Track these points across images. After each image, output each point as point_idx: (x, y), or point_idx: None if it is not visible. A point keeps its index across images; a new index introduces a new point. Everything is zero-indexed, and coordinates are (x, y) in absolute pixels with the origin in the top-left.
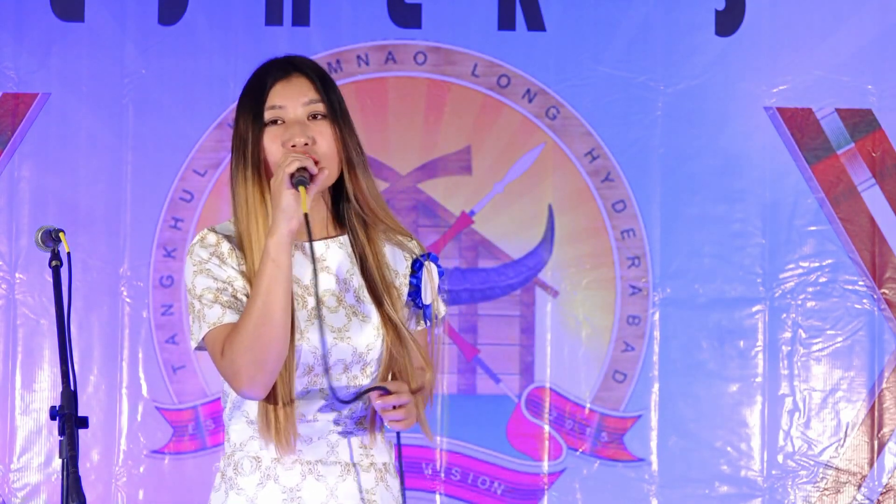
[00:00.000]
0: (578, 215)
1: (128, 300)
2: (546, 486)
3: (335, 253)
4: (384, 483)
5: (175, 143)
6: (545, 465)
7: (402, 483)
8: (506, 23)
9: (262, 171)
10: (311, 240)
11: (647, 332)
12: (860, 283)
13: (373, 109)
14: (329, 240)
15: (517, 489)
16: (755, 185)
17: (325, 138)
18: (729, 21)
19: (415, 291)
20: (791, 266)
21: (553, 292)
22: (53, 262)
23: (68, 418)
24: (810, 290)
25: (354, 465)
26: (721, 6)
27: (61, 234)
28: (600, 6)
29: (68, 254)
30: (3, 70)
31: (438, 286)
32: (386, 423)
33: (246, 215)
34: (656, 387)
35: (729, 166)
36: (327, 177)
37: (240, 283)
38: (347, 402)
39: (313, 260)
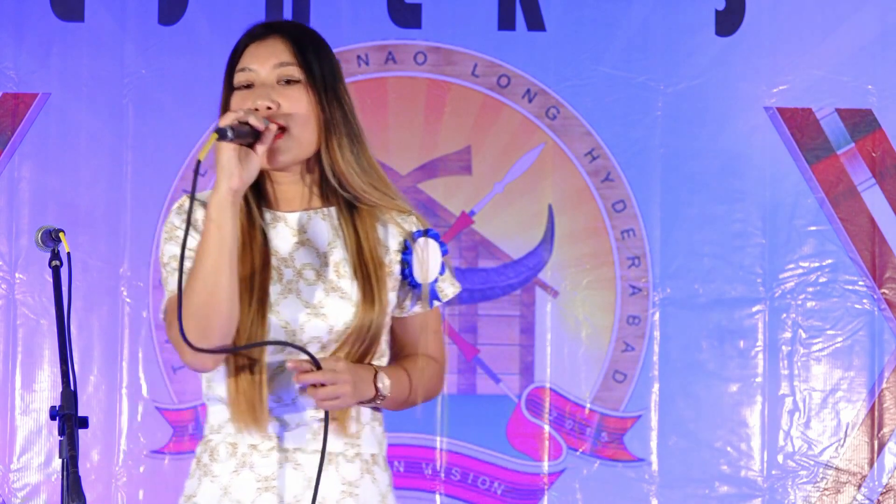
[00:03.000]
0: (578, 215)
1: (128, 300)
2: (546, 486)
3: (317, 225)
4: (371, 475)
5: (175, 143)
6: (545, 465)
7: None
8: (506, 23)
9: None
10: (255, 208)
11: (647, 332)
12: (860, 283)
13: (373, 109)
14: (311, 211)
15: (517, 489)
16: (755, 185)
17: (293, 103)
18: (729, 21)
19: (408, 269)
20: (791, 266)
21: (553, 292)
22: (53, 262)
23: (68, 418)
24: (810, 290)
25: (337, 455)
26: (721, 6)
27: (61, 234)
28: (600, 6)
29: (68, 254)
30: (3, 70)
31: (442, 265)
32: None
33: None
34: (656, 387)
35: (729, 166)
36: (293, 142)
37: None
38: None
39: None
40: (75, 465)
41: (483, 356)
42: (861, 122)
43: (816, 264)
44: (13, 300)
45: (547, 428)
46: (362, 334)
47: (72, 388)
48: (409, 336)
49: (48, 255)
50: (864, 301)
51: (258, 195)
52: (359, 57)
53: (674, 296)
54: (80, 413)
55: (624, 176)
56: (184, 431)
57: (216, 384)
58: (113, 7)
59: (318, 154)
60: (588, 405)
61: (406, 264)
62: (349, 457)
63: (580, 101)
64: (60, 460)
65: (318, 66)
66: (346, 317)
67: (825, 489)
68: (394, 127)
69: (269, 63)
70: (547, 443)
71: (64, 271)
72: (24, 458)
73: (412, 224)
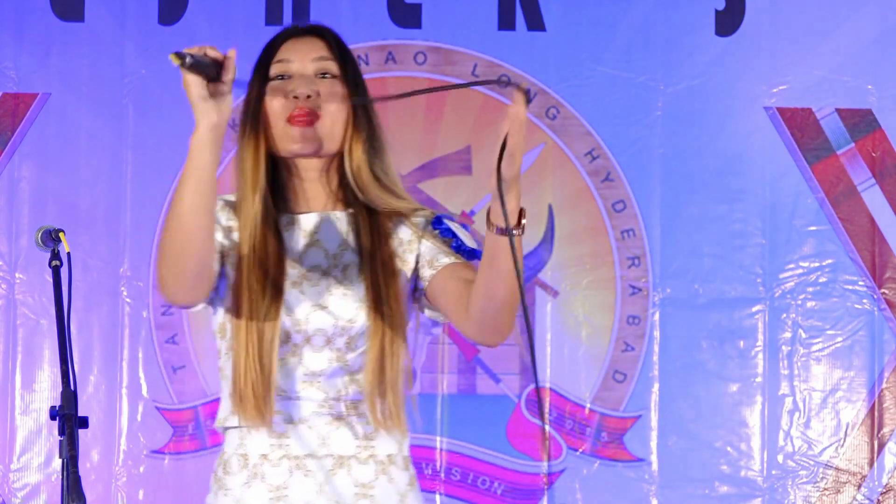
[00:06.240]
0: (578, 215)
1: (128, 300)
2: (546, 486)
3: (330, 227)
4: (387, 476)
5: (175, 143)
6: (545, 465)
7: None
8: (506, 23)
9: (260, 130)
10: (272, 210)
11: (647, 332)
12: (860, 283)
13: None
14: (326, 212)
15: (517, 489)
16: (755, 185)
17: (331, 95)
18: (729, 21)
19: (454, 242)
20: (791, 266)
21: (553, 292)
22: (53, 262)
23: (68, 418)
24: (810, 290)
25: (350, 457)
26: (721, 6)
27: (61, 234)
28: (600, 6)
29: (68, 254)
30: (3, 70)
31: (463, 227)
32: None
33: (240, 174)
34: (656, 387)
35: (729, 166)
36: (325, 130)
37: (218, 233)
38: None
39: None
40: (75, 465)
41: (483, 356)
42: (861, 122)
43: (816, 264)
44: (13, 300)
45: (547, 428)
46: (380, 335)
47: (72, 388)
48: (465, 280)
49: (48, 255)
50: (864, 301)
51: (279, 195)
52: (359, 57)
53: (674, 296)
54: (80, 413)
55: (624, 176)
56: (184, 431)
57: (226, 378)
58: (113, 7)
59: (340, 158)
60: (588, 405)
61: (445, 239)
62: (362, 458)
63: (580, 101)
64: (60, 460)
65: (352, 67)
66: (350, 312)
67: (825, 489)
68: (394, 127)
69: (308, 56)
70: (547, 443)
71: (64, 271)
72: (24, 458)
73: (425, 214)
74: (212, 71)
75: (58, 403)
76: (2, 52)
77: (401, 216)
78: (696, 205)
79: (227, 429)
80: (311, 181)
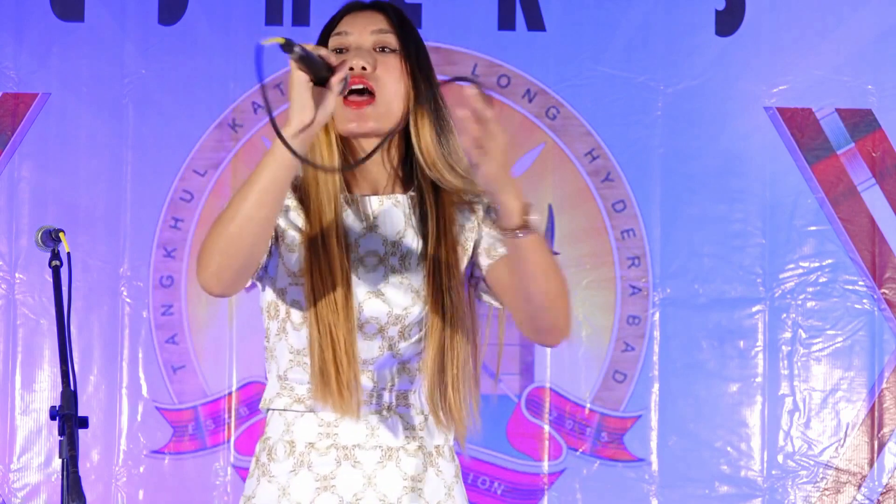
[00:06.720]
0: (578, 215)
1: (128, 300)
2: (546, 486)
3: (389, 211)
4: (435, 468)
5: (175, 143)
6: (545, 465)
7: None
8: (506, 23)
9: None
10: (340, 188)
11: (647, 332)
12: (860, 283)
13: None
14: (385, 196)
15: (517, 489)
16: (755, 185)
17: (387, 69)
18: (729, 21)
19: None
20: (791, 266)
21: None
22: (53, 262)
23: (68, 418)
24: (810, 290)
25: (398, 449)
26: (721, 6)
27: (61, 234)
28: (600, 6)
29: (68, 254)
30: (3, 70)
31: None
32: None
33: (310, 152)
34: (656, 387)
35: (729, 166)
36: (381, 109)
37: (282, 221)
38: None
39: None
40: (75, 465)
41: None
42: (861, 122)
43: (816, 264)
44: (13, 300)
45: (547, 428)
46: (440, 327)
47: (72, 388)
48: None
49: (48, 255)
50: (864, 301)
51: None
52: None
53: (674, 296)
54: (80, 413)
55: (624, 176)
56: (183, 431)
57: (278, 355)
58: (113, 7)
59: (403, 135)
60: (588, 405)
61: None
62: (411, 451)
63: (580, 101)
64: (60, 460)
65: (413, 42)
66: (405, 301)
67: (825, 489)
68: None
69: (367, 29)
70: (547, 443)
71: (64, 271)
72: (24, 458)
73: (485, 201)
74: (320, 71)
75: (58, 403)
76: (2, 52)
77: (463, 201)
78: (696, 205)
79: (270, 410)
80: (372, 160)
